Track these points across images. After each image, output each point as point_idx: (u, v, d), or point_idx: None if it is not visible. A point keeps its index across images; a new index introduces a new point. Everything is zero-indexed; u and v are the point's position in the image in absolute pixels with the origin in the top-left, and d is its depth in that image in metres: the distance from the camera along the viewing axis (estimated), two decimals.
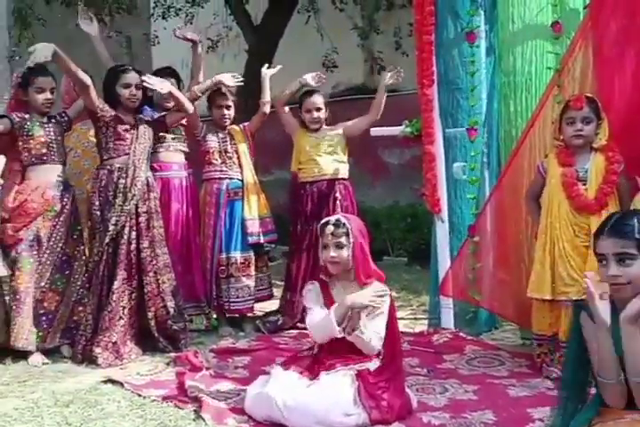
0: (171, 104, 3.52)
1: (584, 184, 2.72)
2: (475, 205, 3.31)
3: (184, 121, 3.67)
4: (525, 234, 3.01)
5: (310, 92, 3.67)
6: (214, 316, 3.72)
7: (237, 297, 3.62)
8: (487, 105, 3.35)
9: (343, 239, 2.32)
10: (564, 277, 2.69)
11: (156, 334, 3.19)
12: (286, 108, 3.79)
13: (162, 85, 3.20)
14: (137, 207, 3.16)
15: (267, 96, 3.77)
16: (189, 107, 3.34)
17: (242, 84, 3.63)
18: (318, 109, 3.62)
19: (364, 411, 2.21)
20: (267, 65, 3.81)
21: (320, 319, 2.30)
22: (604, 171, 2.70)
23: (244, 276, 3.61)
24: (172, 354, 3.13)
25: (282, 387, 2.24)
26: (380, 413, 2.22)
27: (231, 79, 3.55)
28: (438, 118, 3.46)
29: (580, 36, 2.83)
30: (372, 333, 2.30)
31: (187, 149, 3.69)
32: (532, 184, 2.90)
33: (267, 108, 3.77)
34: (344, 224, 2.33)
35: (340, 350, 2.34)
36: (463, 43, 3.37)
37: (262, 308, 3.93)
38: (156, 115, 3.41)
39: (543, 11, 3.03)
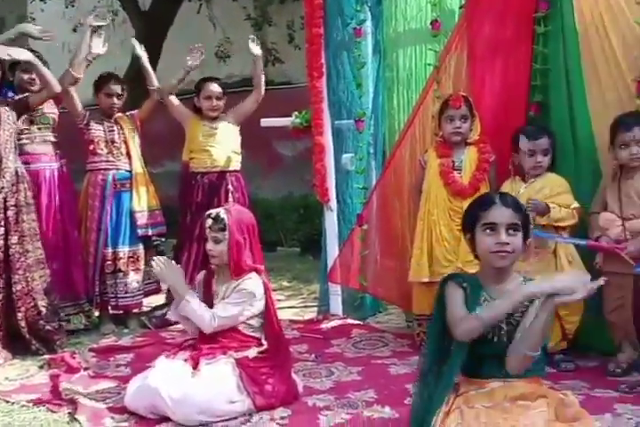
0: (35, 87, 3.34)
1: (459, 173, 2.94)
2: (363, 194, 3.43)
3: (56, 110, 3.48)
4: (408, 222, 3.16)
5: (210, 79, 3.62)
6: (96, 314, 3.59)
7: (126, 292, 3.53)
8: (374, 98, 3.50)
9: (219, 234, 2.35)
10: (440, 259, 2.89)
11: (28, 336, 3.02)
12: (173, 97, 3.72)
13: (18, 53, 3.00)
14: (5, 200, 2.98)
15: (153, 82, 3.68)
16: (54, 83, 3.15)
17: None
18: (218, 98, 3.59)
19: (248, 397, 2.23)
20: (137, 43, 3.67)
21: (191, 310, 2.33)
22: (477, 160, 2.93)
23: (132, 270, 3.52)
24: (46, 356, 2.99)
25: (165, 377, 2.21)
26: (265, 398, 2.25)
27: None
28: (327, 110, 3.56)
29: (456, 35, 3.00)
30: (206, 309, 2.32)
31: (55, 139, 3.49)
32: (415, 177, 3.09)
33: (156, 95, 3.69)
34: (222, 219, 2.35)
35: (217, 340, 2.35)
36: (350, 37, 3.50)
37: (149, 303, 3.84)
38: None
39: (423, 9, 3.18)
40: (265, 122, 3.85)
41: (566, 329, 2.78)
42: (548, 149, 2.81)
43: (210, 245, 2.36)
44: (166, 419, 2.21)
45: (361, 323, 3.51)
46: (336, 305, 3.59)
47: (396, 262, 3.15)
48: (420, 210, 2.99)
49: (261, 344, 2.37)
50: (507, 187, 2.84)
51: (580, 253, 2.76)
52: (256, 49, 3.55)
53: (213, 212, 2.40)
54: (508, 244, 1.75)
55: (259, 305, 2.36)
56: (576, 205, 2.75)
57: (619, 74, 2.73)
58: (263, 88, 3.64)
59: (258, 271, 2.41)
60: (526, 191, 2.79)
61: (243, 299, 2.33)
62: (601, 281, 1.66)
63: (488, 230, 1.78)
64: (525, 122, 2.97)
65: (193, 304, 2.28)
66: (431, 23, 3.14)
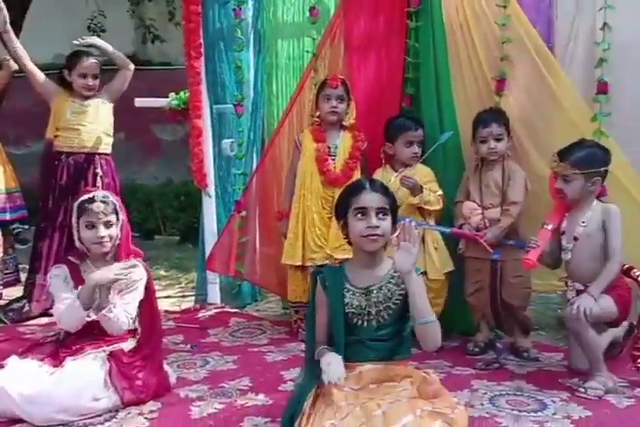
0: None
1: (333, 159, 2.97)
2: (243, 180, 3.41)
3: None
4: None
5: (87, 54, 3.37)
6: None
7: None
8: (254, 83, 3.49)
9: (112, 217, 2.22)
10: (311, 244, 2.92)
11: None
12: (37, 70, 3.44)
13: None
14: None
15: (17, 51, 3.35)
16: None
17: None
18: (95, 76, 3.37)
19: (115, 393, 2.14)
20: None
21: (67, 306, 2.16)
22: (351, 148, 2.96)
23: None
24: None
25: (16, 377, 2.06)
26: (134, 393, 2.16)
27: None
28: (206, 92, 3.48)
29: (333, 25, 3.05)
30: (121, 311, 2.22)
31: None
32: (292, 159, 3.08)
33: (14, 65, 3.41)
34: (112, 201, 2.24)
35: (89, 333, 2.24)
36: (230, 18, 3.41)
37: (7, 296, 3.56)
38: None
39: None
40: (139, 102, 3.71)
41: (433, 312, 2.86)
42: (422, 141, 2.93)
43: (102, 231, 2.19)
44: (20, 421, 2.07)
45: (239, 311, 3.49)
46: (214, 294, 3.55)
47: (275, 249, 3.17)
48: (295, 194, 2.99)
49: (137, 335, 2.29)
50: (378, 175, 2.91)
51: (445, 239, 2.90)
52: (92, 40, 3.39)
53: (97, 194, 2.23)
54: (378, 227, 1.82)
55: (142, 292, 2.26)
56: (440, 192, 2.87)
57: (480, 72, 2.86)
58: (131, 65, 3.45)
59: (138, 256, 2.32)
60: (397, 180, 2.89)
61: (135, 286, 2.23)
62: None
63: (359, 215, 1.84)
64: (399, 113, 3.05)
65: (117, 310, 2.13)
66: (310, 10, 3.16)
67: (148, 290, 2.29)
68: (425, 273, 2.76)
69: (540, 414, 2.14)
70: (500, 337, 2.97)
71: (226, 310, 3.47)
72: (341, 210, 1.90)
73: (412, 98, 3.05)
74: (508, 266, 2.76)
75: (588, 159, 2.40)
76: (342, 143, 2.98)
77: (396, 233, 1.86)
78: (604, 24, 2.73)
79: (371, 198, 1.85)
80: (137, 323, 2.27)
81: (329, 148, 2.97)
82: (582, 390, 2.32)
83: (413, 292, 1.76)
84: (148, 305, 2.29)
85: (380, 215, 1.83)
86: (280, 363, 2.67)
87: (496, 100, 2.83)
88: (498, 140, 2.74)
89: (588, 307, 2.29)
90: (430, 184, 2.87)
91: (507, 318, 2.84)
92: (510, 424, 2.06)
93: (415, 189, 2.77)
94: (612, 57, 2.74)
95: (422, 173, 2.91)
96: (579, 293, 2.43)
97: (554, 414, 2.15)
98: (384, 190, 1.88)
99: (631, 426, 2.08)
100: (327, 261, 2.80)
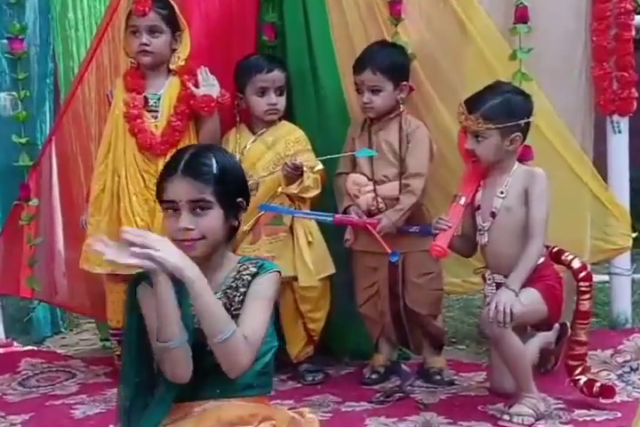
0: None
1: (155, 117, 2.96)
2: (30, 153, 3.38)
3: None
4: None
5: None
6: None
7: None
8: (40, 6, 3.47)
9: None
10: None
11: None
12: None
13: None
14: None
15: None
16: None
17: None
18: None
19: None
20: None
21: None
22: (177, 99, 2.95)
23: None
24: None
25: None
26: None
27: None
28: None
29: None
30: None
31: None
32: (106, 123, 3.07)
33: None
34: None
35: None
36: None
37: None
38: None
39: None
40: None
41: (310, 330, 3.00)
42: (283, 88, 2.97)
43: None
44: None
45: (34, 349, 3.45)
46: None
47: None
48: (96, 168, 3.00)
49: None
50: (231, 140, 3.00)
51: (325, 228, 2.98)
52: None
53: None
54: (192, 229, 1.79)
55: None
56: (320, 166, 2.94)
57: None
58: None
59: None
60: (255, 146, 2.97)
61: None
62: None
63: (170, 211, 1.83)
64: (255, 49, 3.14)
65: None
66: None
67: None
68: (295, 279, 2.90)
69: None
70: (406, 357, 3.13)
71: (13, 348, 3.41)
72: (158, 196, 1.90)
73: (274, 28, 3.16)
74: (411, 261, 2.88)
75: (503, 109, 2.52)
76: (167, 93, 2.97)
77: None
78: None
79: (178, 189, 1.81)
80: None
81: (146, 99, 2.96)
82: (507, 417, 2.48)
83: (195, 296, 1.71)
84: None
85: (198, 210, 1.81)
86: (95, 418, 2.68)
87: (393, 30, 3.00)
88: (374, 91, 2.83)
89: (507, 304, 2.40)
90: (304, 155, 2.94)
91: (413, 331, 2.97)
92: None
93: (297, 177, 2.86)
94: None
95: (291, 137, 2.99)
96: (499, 286, 2.56)
97: None
98: (202, 173, 1.82)
99: None
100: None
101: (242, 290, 1.84)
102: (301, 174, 2.86)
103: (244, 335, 1.72)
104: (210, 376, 1.81)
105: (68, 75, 3.41)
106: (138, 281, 1.86)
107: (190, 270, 1.68)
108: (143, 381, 1.86)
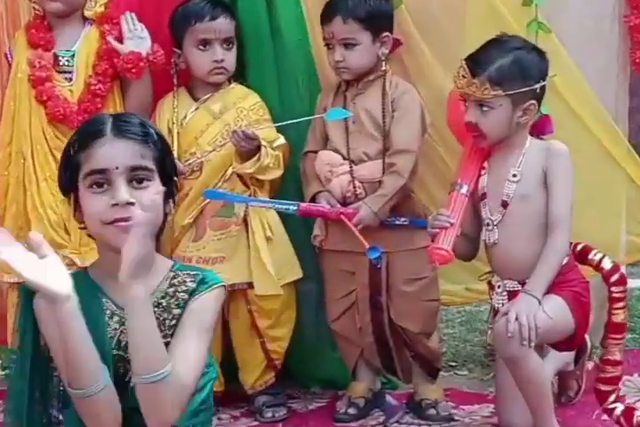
0: None
1: (69, 79, 2.85)
2: None
3: None
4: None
5: None
6: None
7: None
8: None
9: None
10: None
11: None
12: None
13: None
14: None
15: None
16: None
17: None
18: None
19: None
20: None
21: None
22: (96, 56, 2.83)
23: None
24: None
25: None
26: None
27: None
28: None
29: None
30: None
31: None
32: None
33: None
34: None
35: None
36: None
37: None
38: None
39: None
40: None
41: (271, 352, 2.87)
42: (232, 40, 2.86)
43: None
44: None
45: None
46: None
47: None
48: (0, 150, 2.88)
49: None
50: (166, 108, 2.87)
51: (289, 221, 2.86)
52: None
53: None
54: (130, 204, 1.70)
55: None
56: (282, 141, 2.84)
57: None
58: None
59: None
60: (197, 116, 2.84)
61: None
62: None
63: (95, 186, 1.73)
64: None
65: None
66: None
67: None
68: (250, 286, 2.79)
69: None
70: (393, 386, 3.02)
71: None
72: (67, 176, 1.80)
73: None
74: (398, 263, 2.78)
75: (515, 71, 2.43)
76: (83, 45, 2.85)
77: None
78: None
79: (115, 152, 1.73)
80: None
81: (57, 58, 2.82)
82: None
83: (133, 318, 1.65)
84: None
85: (134, 183, 1.72)
86: None
87: None
88: (348, 46, 2.74)
89: (530, 316, 2.30)
90: (262, 125, 2.85)
91: (401, 353, 2.86)
92: None
93: (249, 148, 2.74)
94: None
95: (246, 103, 2.88)
96: (511, 296, 2.46)
97: None
98: (144, 133, 1.77)
99: None
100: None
101: (175, 312, 1.77)
102: (258, 149, 2.74)
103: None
104: (135, 416, 1.70)
105: None
106: (31, 290, 1.71)
107: (134, 280, 1.62)
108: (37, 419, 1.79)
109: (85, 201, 1.74)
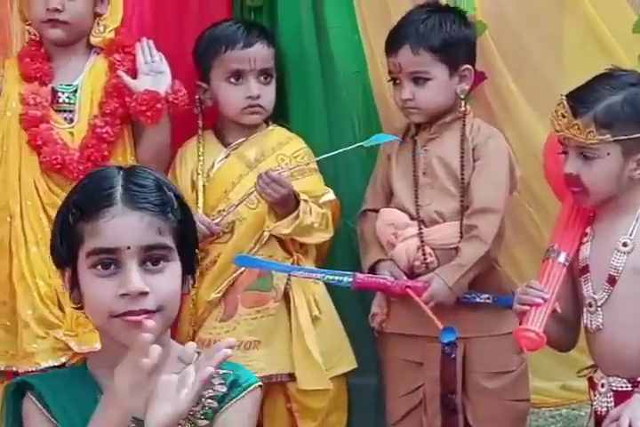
0: None
1: (69, 119, 2.82)
2: None
3: None
4: None
5: None
6: None
7: None
8: None
9: None
10: (26, 317, 2.78)
11: None
12: None
13: None
14: None
15: None
16: None
17: None
18: None
19: None
20: None
21: None
22: (104, 91, 2.81)
23: None
24: None
25: None
26: None
27: None
28: None
29: None
30: None
31: None
32: None
33: None
34: None
35: None
36: None
37: None
38: None
39: None
40: None
41: None
42: (271, 72, 2.85)
43: None
44: None
45: None
46: None
47: None
48: None
49: None
50: (189, 156, 2.86)
51: (341, 297, 2.83)
52: None
53: None
54: (145, 293, 1.64)
55: None
56: (331, 196, 2.80)
57: None
58: None
59: None
60: (228, 165, 2.81)
61: None
62: None
63: (100, 267, 1.67)
64: (229, 13, 3.01)
65: None
66: None
67: None
68: (292, 378, 2.75)
69: None
70: None
71: None
72: (65, 248, 1.73)
73: None
74: (478, 352, 2.73)
75: (627, 112, 2.36)
76: (87, 81, 2.82)
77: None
78: None
79: (126, 227, 1.67)
80: None
81: (55, 93, 2.80)
82: None
83: None
84: None
85: (149, 264, 1.67)
86: None
87: None
88: (419, 80, 2.69)
89: None
90: (308, 178, 2.84)
91: None
92: None
93: (281, 199, 2.69)
94: None
95: (286, 152, 2.84)
96: (618, 397, 2.35)
97: None
98: (161, 201, 1.69)
99: None
100: (63, 360, 2.69)
101: (202, 424, 1.71)
102: (297, 203, 2.71)
103: None
104: None
105: None
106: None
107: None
108: None
109: (87, 285, 1.68)
